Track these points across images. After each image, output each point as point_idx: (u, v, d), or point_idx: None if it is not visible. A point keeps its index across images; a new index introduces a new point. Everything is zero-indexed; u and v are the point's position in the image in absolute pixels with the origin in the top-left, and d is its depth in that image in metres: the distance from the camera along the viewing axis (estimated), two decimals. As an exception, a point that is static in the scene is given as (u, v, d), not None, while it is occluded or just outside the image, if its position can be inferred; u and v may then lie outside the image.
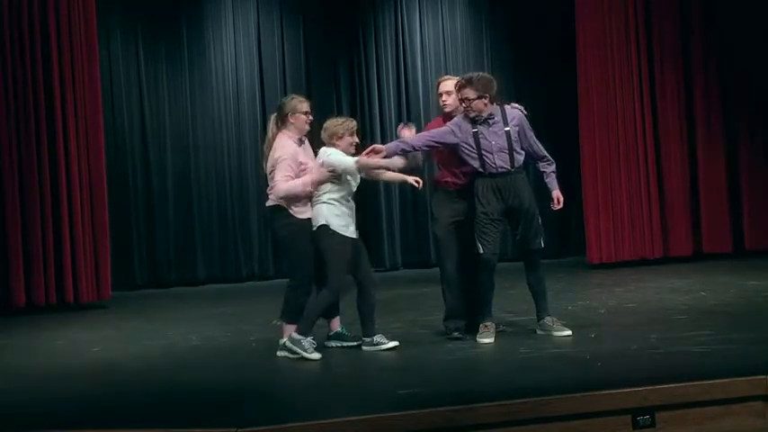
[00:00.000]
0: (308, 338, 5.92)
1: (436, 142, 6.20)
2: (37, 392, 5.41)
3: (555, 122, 11.73)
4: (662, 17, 10.97)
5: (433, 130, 6.31)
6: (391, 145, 6.20)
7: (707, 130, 11.08)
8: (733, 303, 7.25)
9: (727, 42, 11.04)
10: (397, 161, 6.24)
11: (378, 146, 6.17)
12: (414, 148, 6.20)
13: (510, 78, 12.73)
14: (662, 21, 10.97)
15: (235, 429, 4.09)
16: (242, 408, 4.65)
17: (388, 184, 12.38)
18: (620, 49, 10.87)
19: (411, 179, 6.21)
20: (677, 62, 11.01)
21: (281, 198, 5.99)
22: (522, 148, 6.21)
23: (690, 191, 11.06)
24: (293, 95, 6.38)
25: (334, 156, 5.98)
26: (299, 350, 5.85)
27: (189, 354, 6.48)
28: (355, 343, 6.19)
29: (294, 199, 6.01)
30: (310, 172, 6.03)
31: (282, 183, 5.97)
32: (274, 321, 6.26)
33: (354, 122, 6.23)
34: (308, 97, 6.45)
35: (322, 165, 6.00)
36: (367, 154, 6.03)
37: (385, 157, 6.09)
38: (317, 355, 5.87)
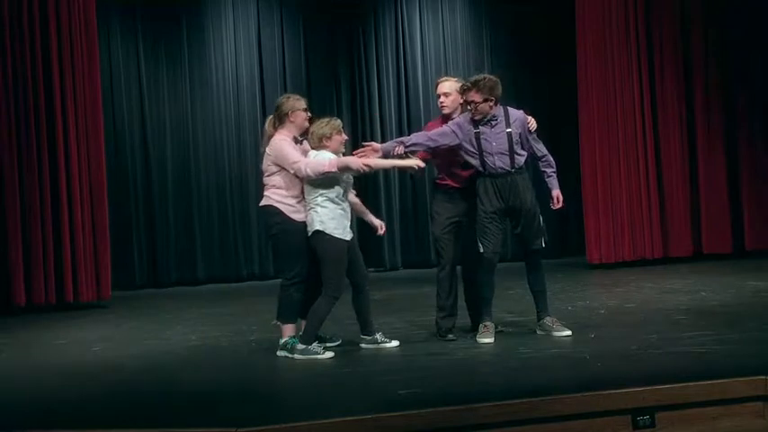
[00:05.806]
0: (314, 343, 5.93)
1: (435, 142, 6.17)
2: (37, 392, 5.40)
3: (555, 122, 11.73)
4: (662, 17, 10.97)
5: (433, 131, 6.28)
6: (388, 144, 6.19)
7: (707, 130, 11.08)
8: (733, 303, 7.25)
9: (727, 42, 11.04)
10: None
11: (374, 144, 6.19)
12: (412, 147, 6.16)
13: (510, 78, 12.68)
14: (662, 21, 10.97)
15: (235, 429, 4.09)
16: (242, 408, 4.64)
17: (389, 184, 12.47)
18: (621, 48, 10.87)
19: (411, 162, 6.08)
20: (677, 62, 11.02)
21: (315, 176, 5.83)
22: (524, 149, 6.21)
23: (690, 191, 11.06)
24: (288, 95, 6.34)
25: (319, 157, 5.92)
26: (310, 357, 5.84)
27: (189, 354, 6.47)
28: (335, 343, 6.20)
29: (293, 198, 5.99)
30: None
31: (302, 164, 5.86)
32: (273, 322, 6.26)
33: (339, 120, 6.15)
34: (308, 97, 6.43)
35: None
36: (363, 152, 6.03)
37: (381, 157, 6.07)
38: (329, 354, 5.89)
